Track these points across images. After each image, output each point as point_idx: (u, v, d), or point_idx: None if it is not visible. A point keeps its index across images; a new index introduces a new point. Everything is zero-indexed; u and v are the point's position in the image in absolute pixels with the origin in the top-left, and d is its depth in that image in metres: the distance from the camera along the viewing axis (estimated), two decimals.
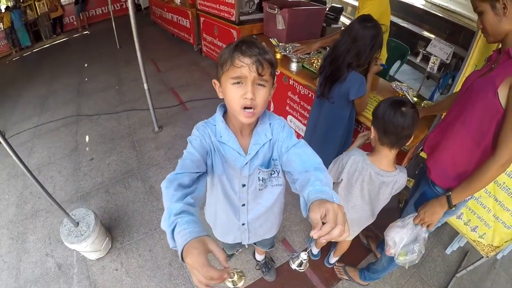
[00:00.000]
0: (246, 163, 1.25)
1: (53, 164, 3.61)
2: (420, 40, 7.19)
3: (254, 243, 1.78)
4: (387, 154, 1.59)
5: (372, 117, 1.60)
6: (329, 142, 2.36)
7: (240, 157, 1.23)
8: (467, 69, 2.22)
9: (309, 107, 3.16)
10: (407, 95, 2.49)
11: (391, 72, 4.01)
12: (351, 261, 2.45)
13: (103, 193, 3.10)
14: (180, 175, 1.05)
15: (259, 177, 1.32)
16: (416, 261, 1.68)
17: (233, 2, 4.40)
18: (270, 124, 1.26)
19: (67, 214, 2.27)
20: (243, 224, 1.48)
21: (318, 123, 2.41)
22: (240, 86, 1.05)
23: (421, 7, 8.13)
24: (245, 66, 1.01)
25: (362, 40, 1.94)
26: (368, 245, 2.59)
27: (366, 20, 1.97)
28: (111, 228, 2.74)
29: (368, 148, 1.76)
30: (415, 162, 2.60)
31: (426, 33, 7.46)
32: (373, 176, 1.64)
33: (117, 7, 10.67)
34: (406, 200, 2.78)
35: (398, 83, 2.79)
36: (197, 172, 1.12)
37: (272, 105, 3.72)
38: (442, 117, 2.26)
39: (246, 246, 1.76)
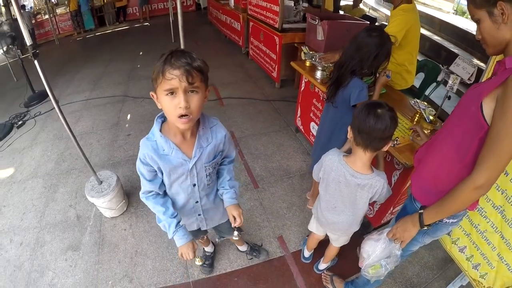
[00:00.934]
0: (193, 166, 1.40)
1: (95, 134, 4.11)
2: (459, 59, 7.04)
3: (221, 236, 2.07)
4: (362, 156, 1.57)
5: (352, 118, 1.59)
6: (332, 146, 2.25)
7: (186, 162, 1.38)
8: None
9: None
10: (423, 113, 2.41)
11: (427, 92, 4.02)
12: (342, 272, 2.43)
13: (131, 164, 3.47)
14: (155, 194, 1.48)
15: (206, 174, 1.49)
16: (382, 278, 1.68)
17: (277, 10, 4.62)
18: (210, 128, 1.41)
19: (94, 173, 2.66)
20: (199, 215, 1.71)
21: (324, 126, 2.51)
22: (174, 97, 1.13)
23: (475, 33, 7.97)
24: (175, 78, 1.09)
25: (366, 48, 1.99)
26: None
27: (372, 29, 2.03)
28: (130, 195, 3.07)
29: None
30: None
31: (476, 61, 7.29)
32: (347, 177, 1.63)
33: None
34: None
35: (418, 100, 2.67)
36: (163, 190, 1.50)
37: (299, 110, 3.87)
38: None
39: (208, 231, 2.04)
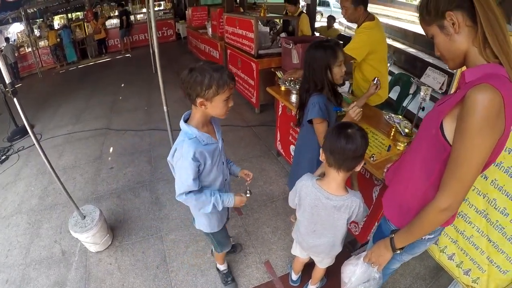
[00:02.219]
0: (221, 145, 1.73)
1: (78, 168, 4.13)
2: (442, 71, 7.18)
3: None
4: (335, 177, 1.56)
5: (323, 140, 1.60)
6: (301, 167, 2.35)
7: (216, 143, 1.69)
8: None
9: None
10: (398, 126, 2.41)
11: (404, 104, 4.11)
12: None
13: (114, 197, 3.50)
14: (194, 191, 1.66)
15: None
16: None
17: (252, 37, 4.76)
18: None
19: (77, 208, 2.67)
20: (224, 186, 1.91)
21: (296, 147, 2.52)
22: (228, 101, 1.52)
23: None
24: (232, 87, 1.51)
25: (312, 62, 2.00)
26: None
27: (319, 41, 2.02)
28: (115, 228, 3.07)
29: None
30: None
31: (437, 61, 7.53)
32: (323, 200, 1.62)
33: (158, 34, 11.44)
34: None
35: (392, 114, 2.66)
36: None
37: (278, 134, 3.93)
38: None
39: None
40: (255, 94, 5.24)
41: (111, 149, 4.52)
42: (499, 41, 1.04)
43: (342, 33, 7.95)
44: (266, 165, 3.98)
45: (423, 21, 1.20)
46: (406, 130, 2.38)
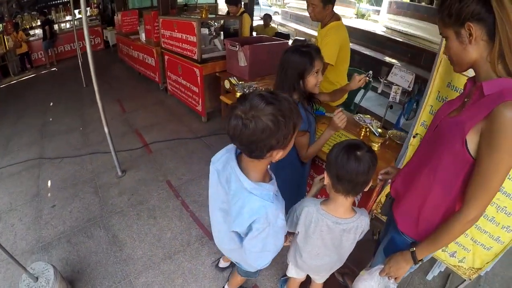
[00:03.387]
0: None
1: (14, 211, 3.43)
2: (383, 65, 7.38)
3: None
4: (343, 202, 1.46)
5: (326, 161, 1.44)
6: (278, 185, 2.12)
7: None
8: (430, 97, 2.15)
9: None
10: (371, 127, 2.39)
11: (356, 100, 4.09)
12: None
13: (65, 243, 2.94)
14: None
15: None
16: None
17: (195, 40, 4.39)
18: None
19: (25, 270, 2.12)
20: None
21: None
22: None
23: (383, 34, 8.41)
24: None
25: (286, 66, 1.83)
26: (345, 282, 2.45)
27: (294, 47, 1.86)
28: (74, 282, 2.57)
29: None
30: (390, 199, 2.51)
31: (388, 59, 7.68)
32: (330, 225, 1.50)
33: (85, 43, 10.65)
34: (380, 232, 2.73)
35: (361, 115, 2.68)
36: None
37: None
38: (407, 155, 2.28)
39: None
40: (200, 102, 4.89)
41: (49, 183, 3.87)
42: None
43: (279, 31, 7.87)
44: None
45: (441, 21, 1.19)
46: (379, 130, 2.36)
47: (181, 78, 5.22)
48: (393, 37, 8.17)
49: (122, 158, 3.94)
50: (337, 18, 2.81)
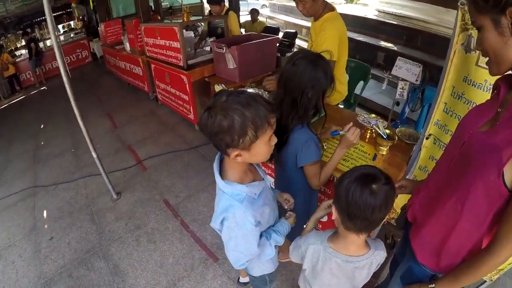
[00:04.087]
0: (269, 183, 1.43)
1: (14, 247, 3.28)
2: (379, 51, 7.20)
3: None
4: (354, 240, 1.24)
5: (334, 193, 1.21)
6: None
7: (264, 182, 1.36)
8: (444, 93, 1.94)
9: None
10: (377, 129, 2.07)
11: (357, 91, 3.87)
12: None
13: (66, 277, 2.79)
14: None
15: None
16: None
17: (179, 46, 4.17)
18: None
19: None
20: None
21: (277, 186, 2.04)
22: (272, 138, 1.15)
23: (375, 18, 8.19)
24: (275, 119, 1.13)
25: (296, 82, 1.53)
26: None
27: (293, 56, 1.58)
28: None
29: None
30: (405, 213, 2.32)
31: (383, 43, 7.48)
32: (341, 264, 1.30)
33: (73, 58, 10.43)
34: (393, 236, 2.56)
35: (366, 115, 2.45)
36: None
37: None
38: (420, 158, 2.14)
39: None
40: (192, 110, 4.67)
41: (44, 213, 3.69)
42: None
43: (268, 25, 7.64)
44: None
45: (474, 5, 0.94)
46: (387, 132, 2.07)
47: (169, 86, 5.00)
48: (386, 20, 7.93)
49: (116, 179, 3.77)
50: (331, 8, 2.59)
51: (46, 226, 3.46)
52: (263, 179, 1.38)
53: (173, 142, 4.63)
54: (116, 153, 4.49)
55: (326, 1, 2.58)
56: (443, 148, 1.99)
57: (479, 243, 1.12)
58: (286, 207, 1.63)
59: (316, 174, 1.68)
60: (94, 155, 3.20)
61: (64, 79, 2.67)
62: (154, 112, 5.71)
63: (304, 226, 1.52)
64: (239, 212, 1.19)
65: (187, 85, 4.40)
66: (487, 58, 1.01)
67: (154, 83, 5.56)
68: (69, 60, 7.78)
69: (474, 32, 1.65)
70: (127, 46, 6.24)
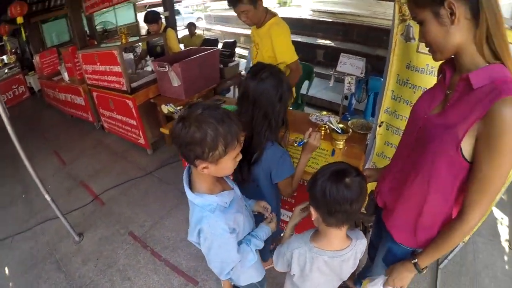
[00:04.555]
0: (238, 192, 1.47)
1: None
2: (317, 49, 7.41)
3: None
4: (337, 234, 1.30)
5: (310, 196, 1.28)
6: None
7: (234, 191, 1.40)
8: (390, 82, 2.10)
9: None
10: (331, 125, 2.20)
11: (302, 91, 3.97)
12: None
13: None
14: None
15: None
16: None
17: (120, 70, 4.01)
18: None
19: None
20: None
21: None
22: (238, 155, 1.22)
23: (310, 18, 8.41)
24: (243, 138, 1.20)
25: (265, 95, 1.54)
26: (344, 283, 2.27)
27: (257, 72, 1.57)
28: None
29: None
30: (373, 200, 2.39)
31: (321, 41, 7.72)
32: (328, 261, 1.36)
33: (9, 95, 9.81)
34: (363, 223, 2.63)
35: (317, 114, 2.56)
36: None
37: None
38: (377, 145, 2.33)
39: None
40: (141, 134, 4.51)
41: (6, 270, 3.31)
42: (504, 42, 0.99)
43: (206, 37, 7.62)
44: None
45: (414, 2, 1.08)
46: (341, 126, 2.24)
47: (115, 113, 4.79)
48: (321, 19, 8.19)
49: (74, 219, 3.51)
50: (273, 14, 2.68)
51: (11, 284, 3.14)
52: (233, 188, 1.42)
53: (127, 170, 4.43)
54: (70, 191, 4.20)
55: (266, 8, 2.64)
56: (397, 133, 2.18)
57: (450, 213, 1.24)
58: (267, 215, 1.65)
59: (289, 184, 1.72)
60: (48, 198, 2.99)
61: (4, 119, 2.48)
62: (102, 142, 5.43)
63: (282, 234, 1.58)
64: (211, 222, 1.22)
65: (133, 109, 4.25)
66: (433, 47, 1.11)
67: (98, 111, 5.32)
68: (5, 98, 7.31)
69: (412, 22, 1.84)
70: (66, 76, 5.90)
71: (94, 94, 5.06)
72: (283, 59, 2.50)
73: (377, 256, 1.67)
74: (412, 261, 1.32)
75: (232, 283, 1.83)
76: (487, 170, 1.01)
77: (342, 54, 2.93)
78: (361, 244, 1.40)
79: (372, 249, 1.88)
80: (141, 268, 2.84)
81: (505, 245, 3.04)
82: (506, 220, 3.28)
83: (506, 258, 2.91)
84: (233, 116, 1.14)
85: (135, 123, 4.44)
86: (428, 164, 1.18)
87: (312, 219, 1.31)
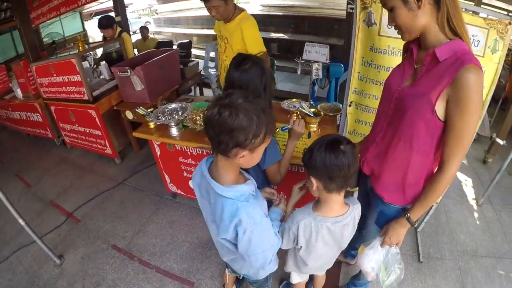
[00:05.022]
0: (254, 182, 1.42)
1: None
2: (271, 42, 7.52)
3: None
4: (337, 199, 1.47)
5: (308, 168, 1.43)
6: None
7: (254, 182, 1.40)
8: (356, 64, 2.29)
9: None
10: (303, 110, 2.35)
11: None
12: (331, 284, 2.43)
13: None
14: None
15: None
16: (402, 276, 1.72)
17: (79, 79, 3.83)
18: None
19: None
20: None
21: None
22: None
23: (261, 13, 8.46)
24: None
25: (251, 85, 1.64)
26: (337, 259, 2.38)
27: (240, 63, 1.66)
28: None
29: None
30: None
31: (274, 35, 7.82)
32: (331, 227, 1.52)
33: None
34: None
35: (287, 101, 2.71)
36: None
37: (167, 176, 3.35)
38: (348, 123, 2.53)
39: None
40: (107, 144, 4.32)
41: None
42: (461, 20, 1.20)
43: (160, 40, 7.50)
44: (171, 215, 3.37)
45: None
46: (312, 110, 2.43)
47: (77, 125, 4.56)
48: (272, 13, 8.26)
49: (51, 241, 3.27)
50: (241, 9, 2.79)
51: None
52: (250, 179, 1.41)
53: (97, 183, 4.23)
54: (40, 214, 3.91)
55: (235, 4, 2.73)
56: (366, 110, 2.41)
57: (431, 169, 1.43)
58: (275, 198, 1.69)
59: (278, 171, 1.77)
60: (22, 222, 2.73)
61: None
62: (65, 158, 5.13)
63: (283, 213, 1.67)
64: (249, 210, 1.21)
65: (96, 119, 4.07)
66: (402, 30, 1.29)
67: (58, 126, 5.02)
68: None
69: (372, 9, 2.08)
70: (19, 92, 5.48)
71: (52, 108, 4.79)
72: (253, 51, 2.64)
73: (368, 222, 1.83)
74: (405, 216, 1.50)
75: (241, 278, 1.92)
76: (459, 126, 1.20)
77: (306, 43, 3.12)
78: (357, 209, 1.58)
79: (360, 220, 2.00)
80: (132, 280, 2.73)
81: (473, 203, 3.46)
82: (470, 181, 3.82)
83: (476, 214, 3.31)
84: (269, 110, 1.18)
85: (100, 133, 4.25)
86: (409, 128, 1.35)
87: (313, 189, 1.44)
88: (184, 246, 2.99)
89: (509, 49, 2.37)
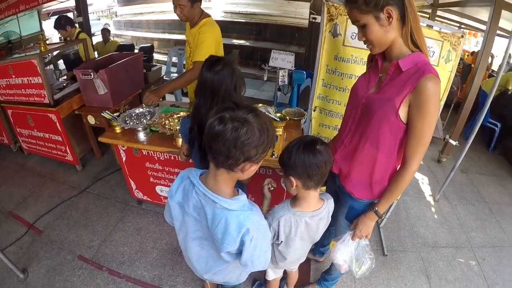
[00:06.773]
0: None
1: None
2: (233, 48, 7.57)
3: None
4: (314, 195, 1.60)
5: (286, 169, 1.53)
6: None
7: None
8: (320, 72, 2.48)
9: (176, 170, 2.87)
10: (269, 115, 2.38)
11: None
12: (302, 281, 2.53)
13: None
14: None
15: None
16: (373, 266, 1.86)
17: (40, 81, 3.64)
18: None
19: None
20: None
21: None
22: None
23: (223, 19, 8.51)
24: None
25: (223, 85, 1.65)
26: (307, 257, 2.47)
27: (212, 64, 1.68)
28: None
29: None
30: None
31: (236, 41, 7.90)
32: (308, 221, 1.64)
33: None
34: None
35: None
36: None
37: (132, 183, 3.27)
38: (312, 128, 2.70)
39: None
40: (68, 150, 4.14)
41: None
42: (421, 34, 1.37)
43: (121, 43, 7.33)
44: (137, 222, 3.30)
45: (358, 9, 1.33)
46: (279, 114, 2.52)
47: (35, 130, 4.33)
48: (234, 20, 8.31)
49: (12, 255, 3.04)
50: (206, 15, 2.79)
51: None
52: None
53: (59, 191, 4.03)
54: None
55: (202, 10, 2.76)
56: (329, 115, 2.60)
57: (395, 166, 1.61)
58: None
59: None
60: None
61: None
62: (23, 166, 4.82)
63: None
64: (255, 218, 1.24)
65: (57, 123, 3.90)
66: (373, 44, 1.42)
67: (14, 131, 4.69)
68: None
69: (338, 21, 2.28)
70: None
71: (9, 111, 4.46)
72: (194, 57, 2.69)
73: (338, 219, 1.96)
74: (374, 210, 1.66)
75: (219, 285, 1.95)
76: (420, 127, 1.37)
77: (273, 50, 3.26)
78: (331, 204, 1.73)
79: None
80: None
81: (430, 199, 3.87)
82: (426, 179, 4.29)
83: (433, 209, 3.71)
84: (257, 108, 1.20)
85: (60, 139, 4.07)
86: (375, 130, 1.50)
87: (293, 188, 1.54)
88: (154, 253, 2.93)
89: (460, 59, 2.61)
